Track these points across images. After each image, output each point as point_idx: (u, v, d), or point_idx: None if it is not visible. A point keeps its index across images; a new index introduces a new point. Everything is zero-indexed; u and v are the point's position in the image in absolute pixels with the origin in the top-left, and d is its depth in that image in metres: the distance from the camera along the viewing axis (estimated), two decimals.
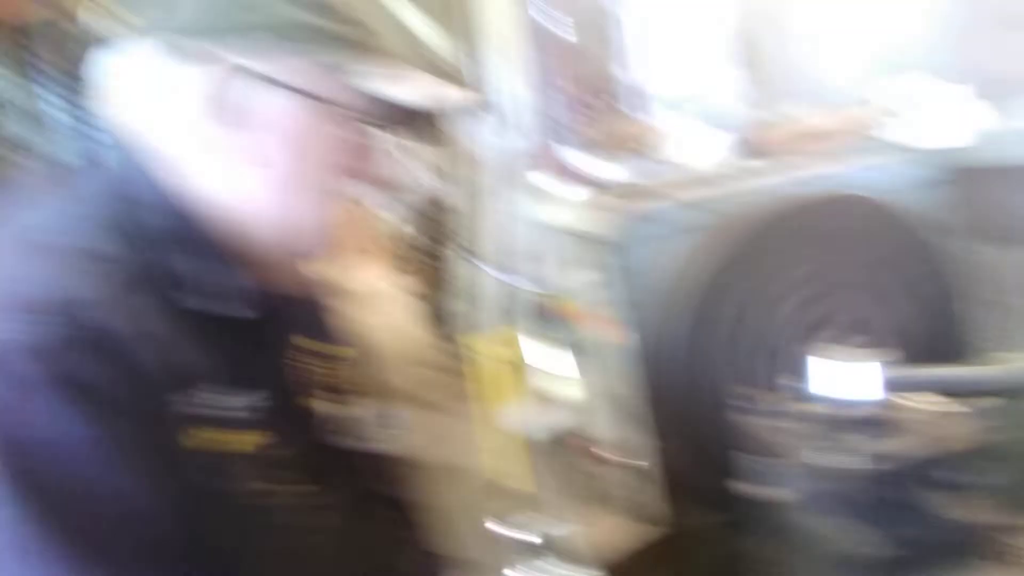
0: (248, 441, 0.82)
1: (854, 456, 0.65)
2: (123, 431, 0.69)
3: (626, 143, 1.58)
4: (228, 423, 0.81)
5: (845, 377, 0.74)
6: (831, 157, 1.45)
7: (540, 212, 1.66)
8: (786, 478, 0.78)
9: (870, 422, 0.71)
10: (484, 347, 2.80)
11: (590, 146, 1.58)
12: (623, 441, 1.35)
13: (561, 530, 1.58)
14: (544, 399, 1.86)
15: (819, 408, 0.73)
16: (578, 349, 1.44)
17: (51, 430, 0.67)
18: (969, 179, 1.47)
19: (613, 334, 1.27)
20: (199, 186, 0.88)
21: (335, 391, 1.04)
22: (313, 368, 0.97)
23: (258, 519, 0.84)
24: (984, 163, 1.47)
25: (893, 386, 0.69)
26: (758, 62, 2.27)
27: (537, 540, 1.62)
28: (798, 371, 0.99)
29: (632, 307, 1.19)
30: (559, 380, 1.42)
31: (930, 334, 1.06)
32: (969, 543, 0.69)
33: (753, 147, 1.50)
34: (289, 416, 0.90)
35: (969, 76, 1.55)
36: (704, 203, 1.19)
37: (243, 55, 0.84)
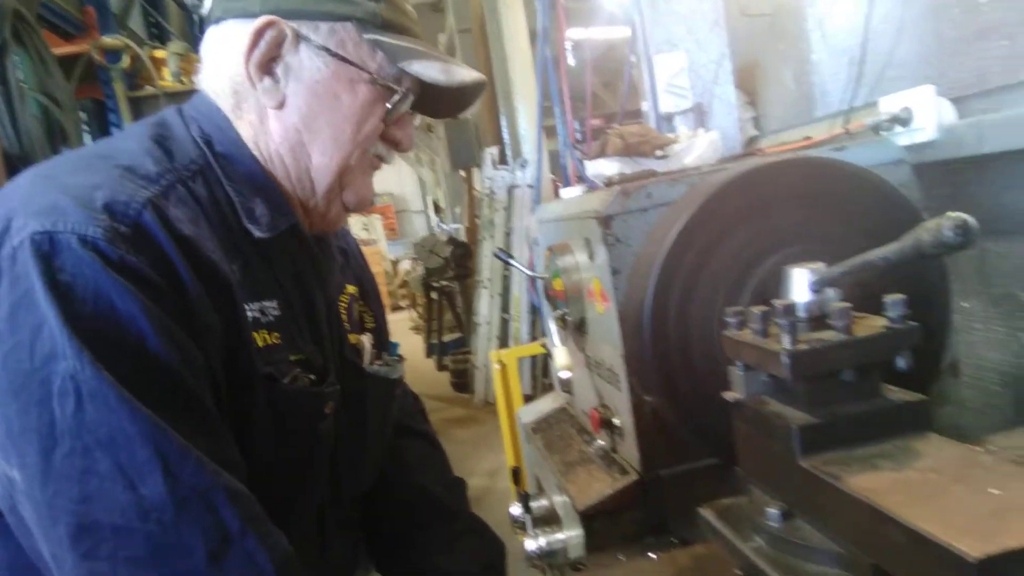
0: (260, 337, 0.95)
1: (791, 328, 0.75)
2: (165, 308, 0.82)
3: (628, 149, 1.71)
4: (249, 322, 0.94)
5: (790, 284, 0.85)
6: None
7: (541, 210, 1.78)
8: (745, 378, 0.88)
9: (809, 317, 0.82)
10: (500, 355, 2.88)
11: (594, 153, 1.70)
12: (607, 402, 1.44)
13: (550, 500, 1.65)
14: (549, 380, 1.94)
15: (770, 308, 0.83)
16: (571, 323, 1.54)
17: (117, 301, 0.80)
18: (932, 172, 1.58)
19: (602, 304, 1.38)
20: (245, 130, 1.02)
21: (340, 319, 1.17)
22: (318, 294, 1.10)
23: (268, 394, 0.95)
24: (944, 157, 1.58)
25: (821, 284, 0.80)
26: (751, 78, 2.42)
27: (527, 512, 1.70)
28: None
29: (617, 276, 1.29)
30: (557, 354, 1.51)
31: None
32: (902, 415, 0.78)
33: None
34: (298, 325, 1.03)
35: (935, 79, 1.68)
36: (687, 180, 1.31)
37: (288, 16, 0.99)
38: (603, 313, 1.38)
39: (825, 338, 0.78)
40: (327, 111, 1.01)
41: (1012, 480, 0.64)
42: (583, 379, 1.59)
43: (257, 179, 1.01)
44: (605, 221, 1.29)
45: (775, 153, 1.85)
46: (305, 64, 1.00)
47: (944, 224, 0.62)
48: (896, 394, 0.80)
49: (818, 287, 0.81)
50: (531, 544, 1.57)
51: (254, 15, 0.98)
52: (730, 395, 0.90)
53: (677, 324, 1.10)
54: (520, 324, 6.53)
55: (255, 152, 1.03)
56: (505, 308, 6.85)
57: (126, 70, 3.73)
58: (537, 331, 6.63)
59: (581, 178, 1.95)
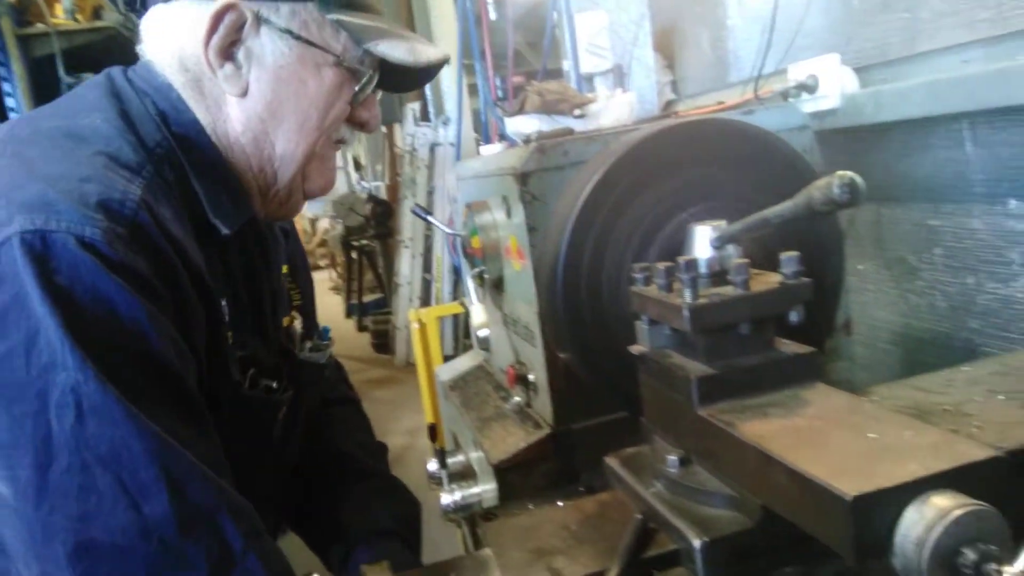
0: (224, 335, 0.93)
1: (692, 283, 0.78)
2: (165, 311, 0.79)
3: (546, 107, 1.70)
4: (225, 322, 0.92)
5: (693, 241, 0.87)
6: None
7: (462, 167, 1.77)
8: (650, 332, 0.91)
9: (710, 273, 0.85)
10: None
11: (514, 110, 1.69)
12: (523, 358, 1.46)
13: (466, 456, 1.68)
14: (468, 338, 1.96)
15: (674, 264, 0.86)
16: (489, 281, 1.55)
17: (120, 305, 0.77)
18: (834, 139, 1.66)
19: (519, 262, 1.39)
20: (202, 114, 0.97)
21: (284, 306, 1.15)
22: (266, 284, 1.08)
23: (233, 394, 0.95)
24: (846, 125, 1.66)
25: (722, 241, 0.83)
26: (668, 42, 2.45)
27: (443, 467, 1.72)
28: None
29: (533, 234, 1.30)
30: (474, 312, 1.52)
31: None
32: (795, 366, 0.82)
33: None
34: (244, 319, 1.01)
35: (842, 48, 1.74)
36: (602, 139, 1.32)
37: None
38: (520, 271, 1.39)
39: (724, 293, 0.82)
40: (292, 98, 0.97)
41: (889, 425, 0.69)
42: (500, 337, 1.61)
43: (217, 168, 0.97)
44: (522, 178, 1.30)
45: (688, 116, 1.89)
46: (268, 48, 0.95)
47: (833, 182, 0.65)
48: (789, 347, 0.84)
49: (719, 243, 0.84)
50: (447, 498, 1.59)
51: None
52: (636, 348, 0.93)
53: (589, 281, 1.12)
54: (442, 284, 6.51)
55: (213, 139, 0.98)
56: (427, 268, 6.80)
57: (13, 4, 3.44)
58: (459, 292, 6.62)
59: (502, 136, 1.94)
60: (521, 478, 1.35)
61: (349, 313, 9.14)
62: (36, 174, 0.81)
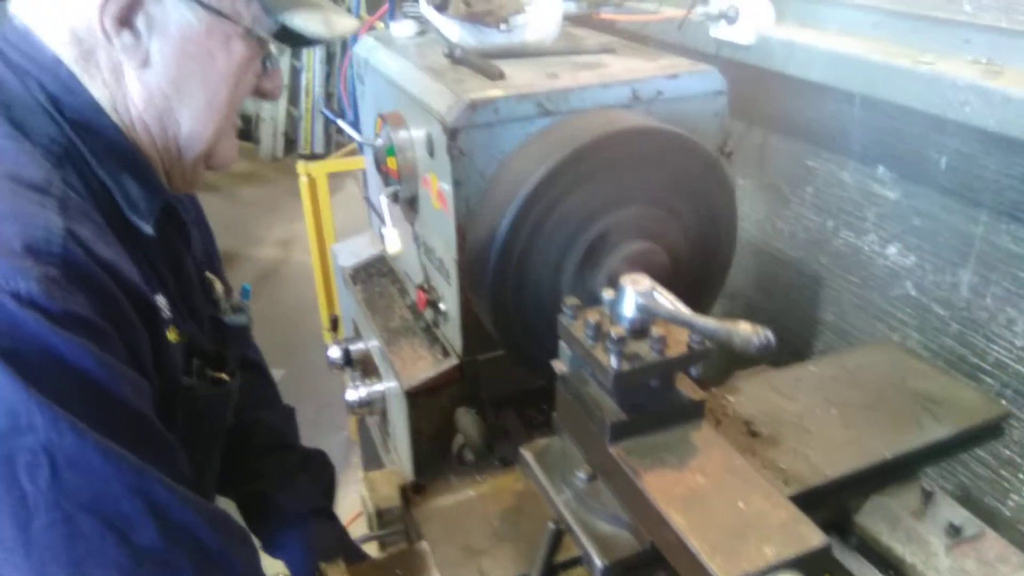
0: (173, 334, 0.94)
1: (618, 349, 0.90)
2: (112, 348, 0.78)
3: (471, 17, 1.61)
4: (166, 322, 0.92)
5: (622, 295, 0.98)
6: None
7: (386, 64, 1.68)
8: (570, 359, 1.04)
9: (632, 328, 0.97)
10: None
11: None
12: (434, 283, 1.56)
13: (367, 345, 1.80)
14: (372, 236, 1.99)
15: (601, 316, 0.97)
16: (403, 199, 1.57)
17: (67, 357, 0.75)
18: (742, 73, 1.72)
19: (438, 202, 1.43)
20: (98, 90, 0.87)
21: (203, 280, 1.14)
22: (189, 262, 1.06)
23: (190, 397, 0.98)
24: (754, 63, 1.72)
25: (643, 310, 0.95)
26: None
27: (348, 366, 1.85)
28: (589, 282, 1.23)
29: (457, 188, 1.33)
30: (388, 237, 1.55)
31: (700, 243, 1.34)
32: (688, 410, 1.00)
33: None
34: (176, 305, 1.01)
35: None
36: (533, 98, 1.32)
37: None
38: (438, 211, 1.43)
39: (641, 354, 0.95)
40: (199, 73, 0.90)
41: (753, 494, 0.89)
42: (409, 251, 1.66)
43: (120, 150, 0.90)
44: (452, 134, 1.30)
45: (613, 20, 1.86)
46: (172, 16, 0.86)
47: (753, 338, 0.78)
48: (684, 392, 1.01)
49: (643, 312, 0.95)
50: (352, 394, 1.75)
51: None
52: (557, 365, 1.06)
53: (516, 272, 1.21)
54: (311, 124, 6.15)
55: (114, 118, 0.89)
56: (293, 101, 6.34)
57: None
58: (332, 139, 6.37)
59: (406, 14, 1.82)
60: (429, 400, 1.51)
61: None
62: None
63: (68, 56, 0.88)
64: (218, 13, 0.88)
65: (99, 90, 0.89)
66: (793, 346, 2.02)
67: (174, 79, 0.90)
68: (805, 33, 1.69)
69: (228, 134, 1.00)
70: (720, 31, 1.78)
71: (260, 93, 1.01)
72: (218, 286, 1.20)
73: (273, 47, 0.96)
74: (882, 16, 1.61)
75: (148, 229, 0.93)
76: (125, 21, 0.86)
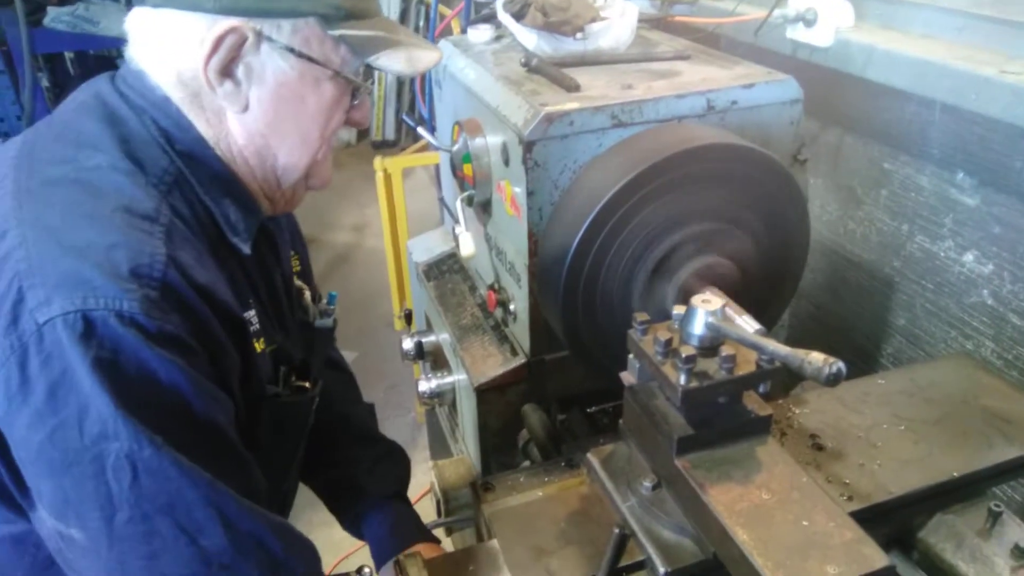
0: (261, 344, 1.02)
1: (687, 367, 0.94)
2: (200, 366, 0.87)
3: (549, 27, 1.64)
4: (255, 333, 1.01)
5: (693, 314, 1.01)
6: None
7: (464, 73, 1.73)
8: (638, 371, 1.08)
9: (701, 346, 1.01)
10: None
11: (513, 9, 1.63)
12: (504, 284, 1.61)
13: (438, 338, 1.87)
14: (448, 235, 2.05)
15: (671, 332, 1.00)
16: (477, 203, 1.62)
17: (160, 373, 0.84)
18: (821, 74, 1.70)
19: (511, 208, 1.47)
20: (203, 128, 0.96)
21: (294, 291, 1.23)
22: (279, 276, 1.15)
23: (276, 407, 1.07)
24: (832, 67, 1.70)
25: (713, 328, 0.98)
26: None
27: (421, 358, 1.93)
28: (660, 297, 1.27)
29: (531, 197, 1.37)
30: (462, 239, 1.61)
31: (771, 257, 1.35)
32: (754, 425, 1.03)
33: None
34: (268, 316, 1.09)
35: None
36: (608, 110, 1.35)
37: (248, 14, 0.89)
38: (511, 216, 1.48)
39: (711, 372, 0.98)
40: (293, 115, 0.98)
41: (817, 512, 0.92)
42: (481, 251, 1.72)
43: (223, 179, 0.99)
44: (528, 145, 1.34)
45: (687, 23, 1.86)
46: (268, 66, 0.93)
47: (824, 369, 0.80)
48: (751, 407, 1.03)
49: (713, 331, 0.98)
50: (424, 385, 1.83)
51: (206, 11, 0.87)
52: (626, 377, 1.10)
53: (587, 281, 1.25)
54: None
55: (217, 151, 0.98)
56: None
57: None
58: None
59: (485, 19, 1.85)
60: (497, 396, 1.57)
61: None
62: (64, 245, 0.84)
63: (177, 96, 0.96)
64: (310, 59, 0.95)
65: (204, 127, 0.97)
66: (863, 350, 2.01)
67: (271, 121, 0.98)
68: (886, 36, 1.66)
69: (324, 159, 1.07)
70: (797, 33, 1.76)
71: (351, 122, 1.08)
72: (307, 293, 1.29)
73: (363, 89, 1.03)
74: (968, 19, 1.57)
75: (246, 250, 1.01)
76: (226, 72, 0.93)
